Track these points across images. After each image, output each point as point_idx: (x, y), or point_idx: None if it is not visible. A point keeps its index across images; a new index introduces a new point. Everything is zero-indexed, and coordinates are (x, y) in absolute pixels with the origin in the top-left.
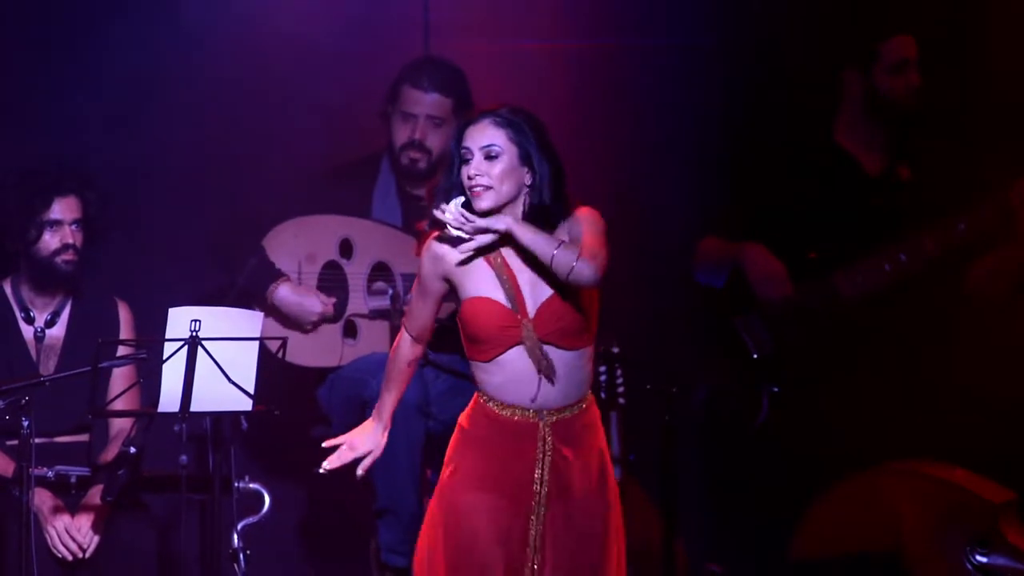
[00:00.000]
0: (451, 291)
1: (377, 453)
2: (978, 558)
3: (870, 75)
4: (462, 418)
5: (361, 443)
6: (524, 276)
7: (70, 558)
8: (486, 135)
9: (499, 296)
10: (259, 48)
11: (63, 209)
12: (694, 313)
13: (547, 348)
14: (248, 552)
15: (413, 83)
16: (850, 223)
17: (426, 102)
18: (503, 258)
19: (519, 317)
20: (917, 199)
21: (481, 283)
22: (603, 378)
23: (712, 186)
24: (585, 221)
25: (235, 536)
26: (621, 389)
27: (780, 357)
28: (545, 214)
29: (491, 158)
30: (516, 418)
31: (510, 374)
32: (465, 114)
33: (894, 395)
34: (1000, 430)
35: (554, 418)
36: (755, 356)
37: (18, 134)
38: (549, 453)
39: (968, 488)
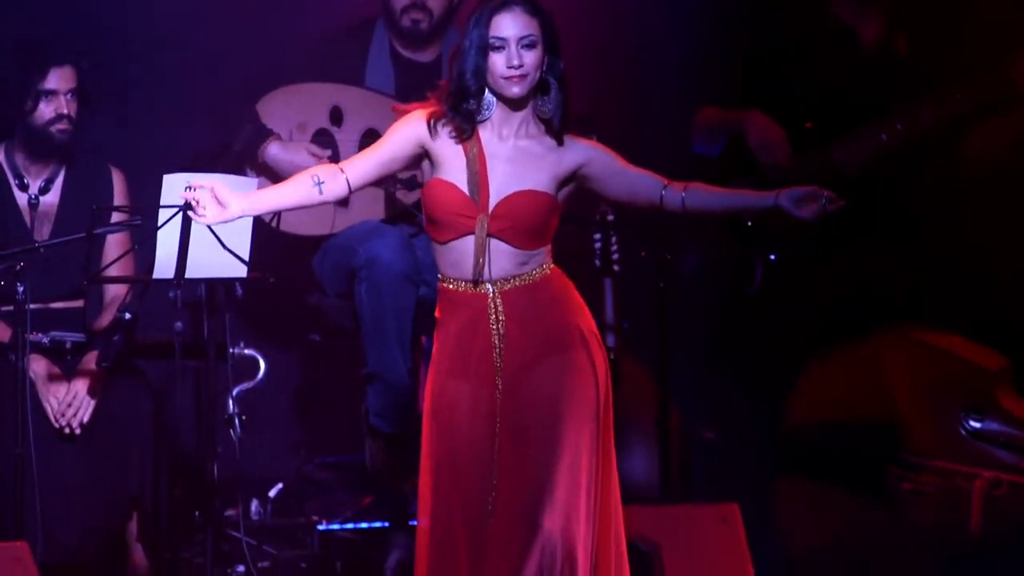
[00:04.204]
0: (415, 163)
1: (217, 213)
2: (972, 424)
3: None
4: (437, 310)
5: (221, 193)
6: (495, 171)
7: (68, 431)
8: (523, 24)
9: (463, 184)
10: None
11: (59, 79)
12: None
13: (497, 243)
14: (243, 417)
15: None
16: (846, 94)
17: None
18: (480, 148)
19: (476, 209)
20: (914, 70)
21: (451, 167)
22: (598, 246)
23: (714, 59)
24: (608, 154)
25: (230, 402)
26: (616, 256)
27: (776, 225)
28: (562, 118)
29: (529, 47)
30: (468, 291)
31: (459, 256)
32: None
33: (890, 262)
34: (996, 297)
35: (502, 286)
36: (749, 224)
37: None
38: (503, 321)
39: (963, 355)
